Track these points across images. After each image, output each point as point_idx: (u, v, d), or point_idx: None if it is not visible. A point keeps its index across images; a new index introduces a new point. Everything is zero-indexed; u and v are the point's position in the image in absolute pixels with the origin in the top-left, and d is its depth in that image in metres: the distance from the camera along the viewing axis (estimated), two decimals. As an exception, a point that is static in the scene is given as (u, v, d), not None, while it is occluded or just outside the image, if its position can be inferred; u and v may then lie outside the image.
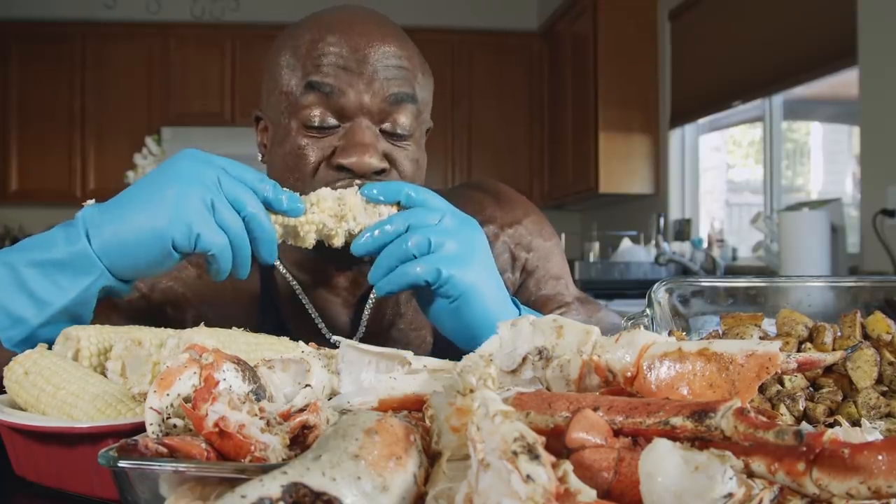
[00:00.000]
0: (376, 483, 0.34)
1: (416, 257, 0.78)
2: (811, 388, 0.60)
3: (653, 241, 4.30)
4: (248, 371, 0.51)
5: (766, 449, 0.36)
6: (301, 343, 0.61)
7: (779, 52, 3.44)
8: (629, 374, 0.49)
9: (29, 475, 0.63)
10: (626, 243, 4.26)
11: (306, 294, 1.01)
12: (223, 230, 0.74)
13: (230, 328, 0.72)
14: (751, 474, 0.37)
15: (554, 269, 1.12)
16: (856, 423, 0.56)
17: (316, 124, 0.89)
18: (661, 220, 4.40)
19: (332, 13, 0.94)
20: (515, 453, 0.33)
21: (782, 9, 3.42)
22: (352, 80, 0.88)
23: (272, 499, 0.32)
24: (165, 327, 0.71)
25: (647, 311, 0.71)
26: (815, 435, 0.35)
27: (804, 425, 0.55)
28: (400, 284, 0.79)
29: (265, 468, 0.36)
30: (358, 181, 0.88)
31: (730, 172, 4.56)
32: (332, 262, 0.98)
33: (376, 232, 0.79)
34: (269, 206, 0.78)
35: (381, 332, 1.03)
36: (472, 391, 0.39)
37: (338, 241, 0.81)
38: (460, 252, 0.79)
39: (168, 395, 0.47)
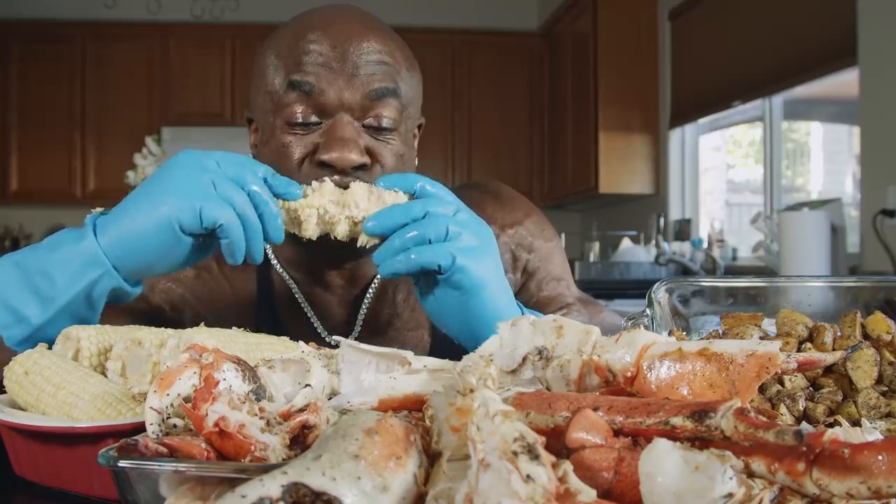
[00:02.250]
0: (376, 483, 0.34)
1: (430, 242, 0.77)
2: (811, 388, 0.60)
3: (653, 241, 4.30)
4: (249, 371, 0.51)
5: (766, 449, 0.36)
6: (301, 343, 0.61)
7: (779, 52, 3.44)
8: (629, 374, 0.49)
9: (29, 475, 0.63)
10: (626, 243, 4.26)
11: (302, 293, 1.01)
12: (228, 204, 0.74)
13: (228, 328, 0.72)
14: (751, 474, 0.37)
15: (555, 270, 1.11)
16: (856, 423, 0.56)
17: (299, 121, 0.89)
18: (661, 220, 4.40)
19: (315, 12, 0.94)
20: (515, 453, 0.33)
21: (782, 9, 3.42)
22: (332, 78, 0.89)
23: (272, 499, 0.32)
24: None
25: (647, 311, 0.71)
26: (815, 435, 0.35)
27: (804, 425, 0.55)
28: (410, 266, 0.77)
29: (265, 468, 0.36)
30: (336, 177, 0.87)
31: (730, 172, 4.56)
32: (327, 260, 0.98)
33: (392, 213, 0.79)
34: (268, 188, 0.78)
35: (377, 332, 1.03)
36: (472, 391, 0.39)
37: (340, 230, 0.80)
38: (475, 245, 0.80)
39: (168, 394, 0.47)
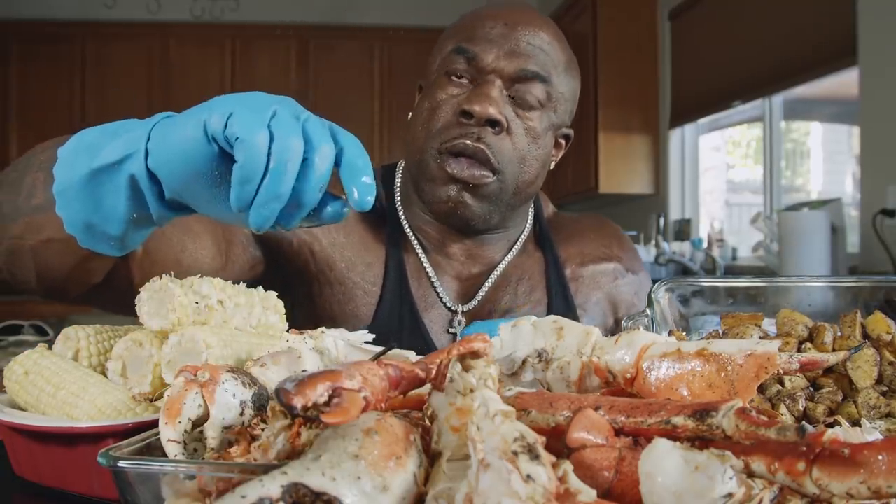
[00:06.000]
0: (376, 483, 0.34)
1: None
2: (811, 388, 0.60)
3: (653, 241, 4.30)
4: (246, 376, 0.50)
5: (766, 449, 0.36)
6: (283, 333, 0.61)
7: (779, 52, 3.44)
8: (629, 375, 0.49)
9: (29, 475, 0.63)
10: (626, 243, 4.25)
11: (427, 256, 1.10)
12: (265, 126, 0.55)
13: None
14: (751, 474, 0.37)
15: None
16: (856, 423, 0.56)
17: (457, 78, 1.02)
18: (661, 220, 4.40)
19: (500, 2, 1.08)
20: (515, 453, 0.33)
21: (782, 9, 3.42)
22: (493, 48, 1.00)
23: (272, 499, 0.32)
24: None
25: (647, 311, 0.71)
26: (815, 435, 0.35)
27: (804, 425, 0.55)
28: None
29: (265, 468, 0.36)
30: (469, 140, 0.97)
31: (730, 172, 4.55)
32: (449, 231, 1.08)
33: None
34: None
35: (492, 313, 1.10)
36: (472, 391, 0.39)
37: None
38: None
39: (180, 422, 0.46)
